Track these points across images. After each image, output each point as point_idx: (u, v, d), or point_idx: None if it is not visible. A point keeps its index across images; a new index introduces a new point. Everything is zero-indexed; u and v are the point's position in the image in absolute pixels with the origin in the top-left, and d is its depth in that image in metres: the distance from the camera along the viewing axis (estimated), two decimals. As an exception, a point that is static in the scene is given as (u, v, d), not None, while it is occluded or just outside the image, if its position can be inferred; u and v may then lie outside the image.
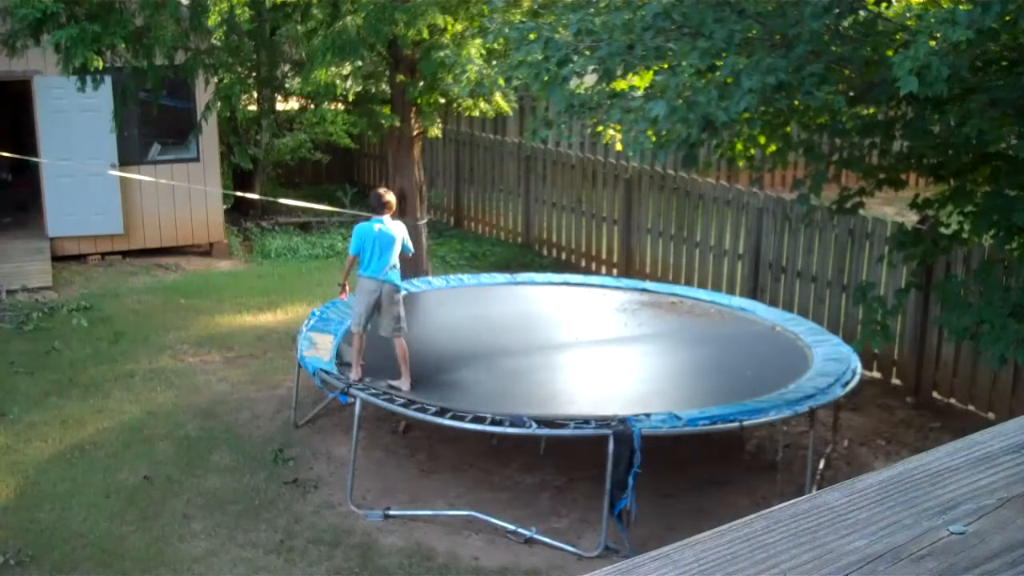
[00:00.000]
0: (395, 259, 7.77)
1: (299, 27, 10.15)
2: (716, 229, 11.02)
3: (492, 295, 10.03)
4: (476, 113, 10.88)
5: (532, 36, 6.78)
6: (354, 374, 7.70)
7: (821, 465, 7.81)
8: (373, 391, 7.33)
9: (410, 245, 8.09)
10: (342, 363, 7.93)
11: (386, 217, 7.83)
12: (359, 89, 11.25)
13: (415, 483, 7.58)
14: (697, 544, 0.97)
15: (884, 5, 6.50)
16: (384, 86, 10.97)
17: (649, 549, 0.97)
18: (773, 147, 7.46)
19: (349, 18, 9.10)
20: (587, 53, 6.49)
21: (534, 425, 6.78)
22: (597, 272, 12.28)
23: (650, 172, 12.08)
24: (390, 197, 7.97)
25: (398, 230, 7.86)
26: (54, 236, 12.70)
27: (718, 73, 5.98)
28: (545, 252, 13.32)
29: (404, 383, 7.67)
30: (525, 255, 13.23)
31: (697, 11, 6.28)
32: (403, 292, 7.97)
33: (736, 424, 6.96)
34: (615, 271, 12.14)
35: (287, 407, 8.60)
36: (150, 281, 12.35)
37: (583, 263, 12.72)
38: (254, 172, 14.71)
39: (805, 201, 7.14)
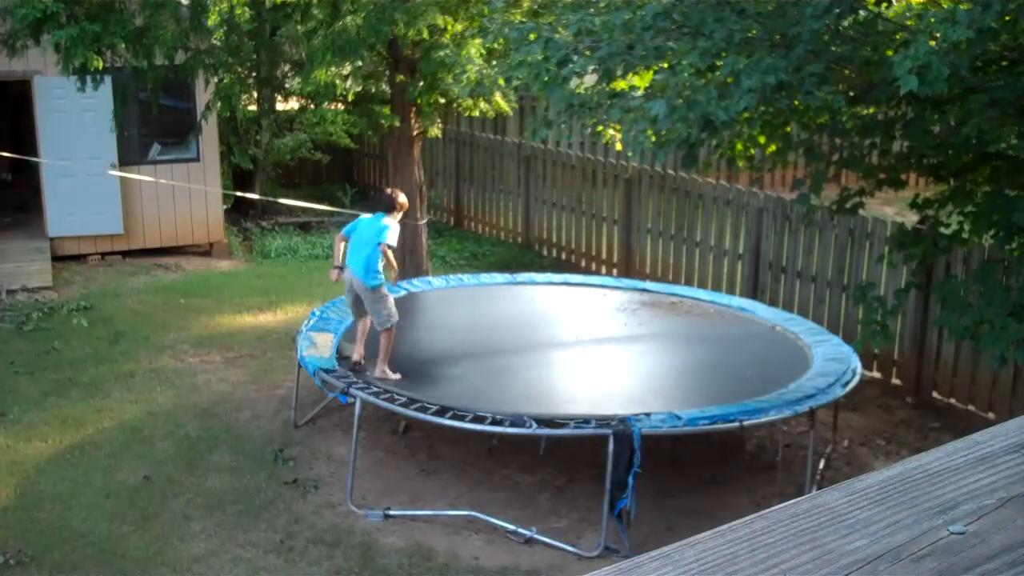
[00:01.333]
0: (372, 256, 7.59)
1: (299, 27, 10.15)
2: (716, 229, 11.02)
3: (492, 295, 10.03)
4: (476, 113, 10.87)
5: (532, 36, 6.78)
6: (355, 355, 7.82)
7: (821, 465, 7.81)
8: (373, 391, 7.32)
9: (384, 241, 7.63)
10: (342, 359, 7.94)
11: (388, 216, 7.76)
12: (359, 89, 11.24)
13: (415, 483, 7.58)
14: (697, 544, 0.97)
15: (884, 5, 6.50)
16: (384, 86, 10.97)
17: (649, 549, 0.97)
18: (773, 147, 7.46)
19: (349, 18, 9.10)
20: (587, 53, 6.49)
21: (534, 425, 6.78)
22: (597, 272, 12.27)
23: (650, 172, 12.08)
24: (395, 198, 7.87)
25: (379, 228, 7.64)
26: (54, 236, 12.70)
27: (718, 73, 5.98)
28: (545, 252, 13.32)
29: (375, 370, 7.67)
30: (525, 255, 13.22)
31: (697, 11, 6.28)
32: (375, 288, 7.64)
33: (736, 424, 6.96)
34: (615, 271, 12.14)
35: (287, 407, 8.60)
36: (150, 281, 12.35)
37: (583, 263, 12.71)
38: (254, 172, 14.71)
39: (805, 201, 7.13)
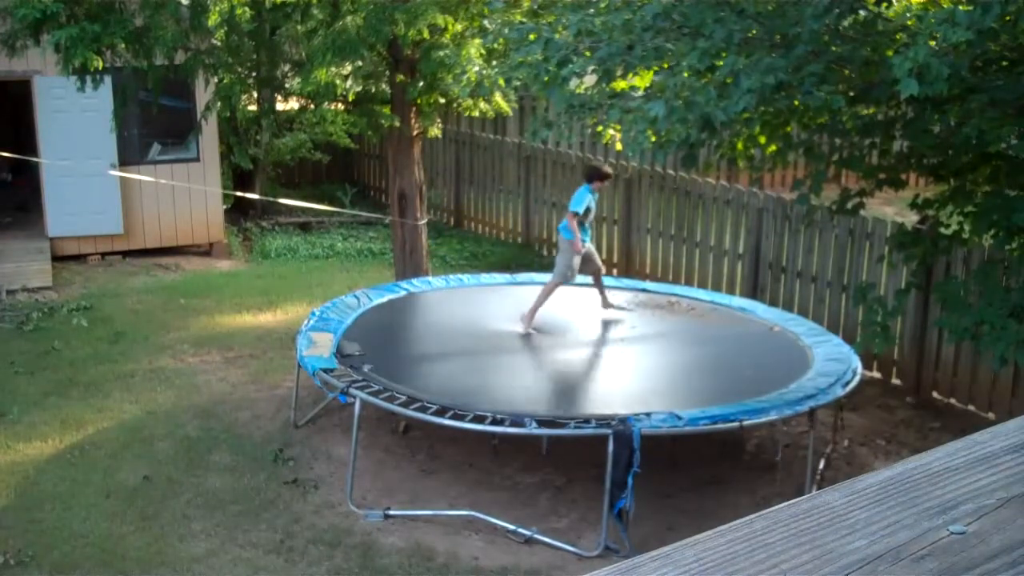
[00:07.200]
0: (566, 217, 8.78)
1: (299, 27, 10.14)
2: (716, 229, 11.02)
3: (492, 295, 10.02)
4: (476, 113, 10.87)
5: (532, 37, 6.78)
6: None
7: (821, 465, 7.81)
8: (373, 391, 7.31)
9: (570, 209, 8.78)
10: (342, 357, 7.94)
11: (587, 184, 8.83)
12: (359, 89, 11.23)
13: (415, 483, 7.58)
14: (697, 544, 0.97)
15: (884, 5, 6.50)
16: (384, 86, 10.96)
17: (649, 549, 0.97)
18: (773, 147, 7.46)
19: (349, 18, 9.09)
20: (587, 54, 6.48)
21: (534, 425, 6.77)
22: (597, 272, 12.26)
23: (650, 172, 12.08)
24: (597, 169, 8.99)
25: (573, 197, 8.86)
26: (54, 236, 12.70)
27: (717, 73, 5.97)
28: (545, 252, 13.31)
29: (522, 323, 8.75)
30: (525, 255, 13.22)
31: (697, 11, 6.27)
32: (564, 239, 8.85)
33: (736, 424, 6.96)
34: (615, 271, 12.13)
35: (287, 407, 8.60)
36: (150, 281, 12.35)
37: (583, 263, 12.69)
38: (254, 172, 14.70)
39: (805, 201, 7.13)
